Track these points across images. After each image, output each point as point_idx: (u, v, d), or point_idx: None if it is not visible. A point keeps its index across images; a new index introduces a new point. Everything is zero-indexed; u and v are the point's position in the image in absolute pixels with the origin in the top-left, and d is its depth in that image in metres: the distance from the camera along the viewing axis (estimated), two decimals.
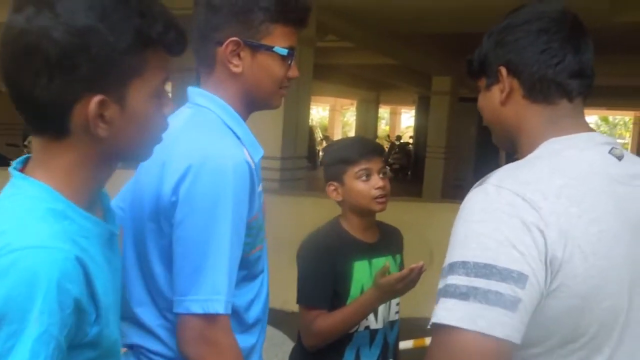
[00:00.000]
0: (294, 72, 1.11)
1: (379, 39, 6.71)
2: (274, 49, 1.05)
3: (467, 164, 13.60)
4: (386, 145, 17.85)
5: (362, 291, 1.50)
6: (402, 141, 16.96)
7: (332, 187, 1.56)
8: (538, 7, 0.89)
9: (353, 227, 1.57)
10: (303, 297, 1.49)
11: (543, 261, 0.71)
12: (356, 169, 1.49)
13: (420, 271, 1.36)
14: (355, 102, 16.95)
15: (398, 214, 4.42)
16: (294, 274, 1.54)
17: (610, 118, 27.85)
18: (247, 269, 1.08)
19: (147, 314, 1.02)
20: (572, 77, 0.84)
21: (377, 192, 1.49)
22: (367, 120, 15.27)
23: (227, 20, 1.02)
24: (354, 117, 18.49)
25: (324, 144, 18.96)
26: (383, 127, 26.82)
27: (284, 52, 1.06)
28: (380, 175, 1.51)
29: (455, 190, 9.73)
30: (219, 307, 0.94)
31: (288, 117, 4.62)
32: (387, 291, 1.38)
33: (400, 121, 27.17)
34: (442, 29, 6.13)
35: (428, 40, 7.30)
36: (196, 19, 1.06)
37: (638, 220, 0.79)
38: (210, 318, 0.94)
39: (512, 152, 0.94)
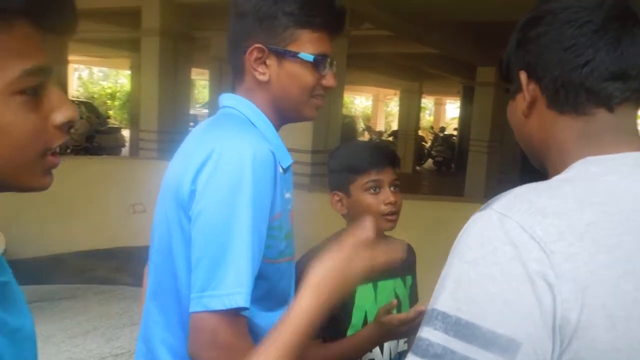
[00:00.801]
0: (328, 81, 1.04)
1: (417, 27, 6.46)
2: (299, 55, 0.99)
3: (513, 158, 13.13)
4: (429, 137, 17.49)
5: (365, 318, 1.33)
6: (446, 133, 16.52)
7: (336, 198, 1.37)
8: None
9: None
10: None
11: (549, 326, 0.54)
12: (365, 179, 1.31)
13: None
14: (398, 92, 16.60)
15: (437, 213, 4.26)
16: None
17: None
18: (268, 281, 0.98)
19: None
20: (608, 80, 0.64)
21: (386, 209, 1.30)
22: (410, 110, 14.88)
23: (252, 27, 0.99)
24: (397, 108, 18.14)
25: (367, 134, 18.76)
26: (427, 118, 26.29)
27: (310, 58, 0.99)
28: (392, 189, 1.32)
29: (500, 185, 9.36)
30: (240, 299, 0.86)
31: (319, 109, 4.48)
32: (389, 331, 1.21)
33: (445, 112, 26.57)
34: (482, 17, 5.83)
35: (469, 29, 7.00)
36: (229, 28, 1.05)
37: None
38: (229, 318, 0.87)
39: (545, 170, 0.76)
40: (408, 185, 11.43)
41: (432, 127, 19.74)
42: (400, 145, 14.45)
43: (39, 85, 0.51)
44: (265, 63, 0.99)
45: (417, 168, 14.90)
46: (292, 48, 0.98)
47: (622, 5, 0.67)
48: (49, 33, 0.50)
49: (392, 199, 1.30)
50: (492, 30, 6.98)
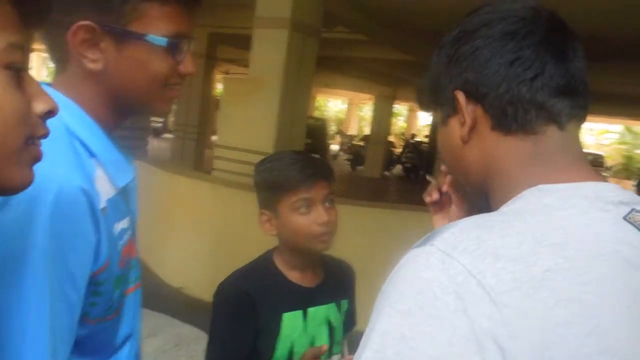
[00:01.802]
0: (186, 67, 0.81)
1: (392, 32, 6.39)
2: (147, 38, 0.75)
3: None
4: (400, 143, 17.53)
5: (291, 350, 1.18)
6: (416, 139, 16.59)
7: (264, 217, 1.21)
8: (501, 5, 0.61)
9: (289, 267, 1.22)
10: None
11: None
12: (293, 198, 1.15)
13: None
14: (373, 97, 16.61)
15: (403, 222, 4.18)
16: None
17: (634, 128, 27.02)
18: (97, 340, 0.78)
19: None
20: (558, 95, 0.57)
21: (319, 229, 1.15)
22: (383, 116, 14.90)
23: None
24: (371, 112, 18.15)
25: (338, 138, 18.71)
26: (400, 124, 26.44)
27: (162, 41, 0.76)
28: (327, 204, 1.18)
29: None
30: None
31: (284, 110, 4.33)
32: None
33: (418, 119, 26.77)
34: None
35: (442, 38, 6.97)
36: None
37: None
38: None
39: (488, 209, 0.64)
40: (375, 191, 11.40)
41: (403, 134, 19.83)
42: (370, 150, 14.44)
43: (21, 66, 0.51)
44: (98, 47, 0.74)
45: (386, 173, 14.90)
46: (135, 28, 0.75)
47: (558, 17, 0.60)
48: (24, 17, 0.51)
49: (324, 218, 1.15)
50: None
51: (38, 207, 0.64)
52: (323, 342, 1.22)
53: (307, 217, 1.16)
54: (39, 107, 0.52)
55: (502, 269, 0.47)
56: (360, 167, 14.50)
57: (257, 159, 4.81)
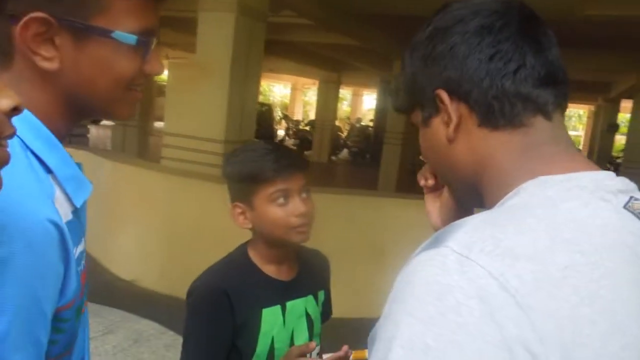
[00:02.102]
0: (153, 67, 0.71)
1: (337, 17, 6.38)
2: (113, 35, 0.65)
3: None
4: (346, 127, 17.67)
5: (272, 345, 1.16)
6: (362, 124, 16.76)
7: (238, 210, 1.17)
8: (470, 1, 0.61)
9: (264, 261, 1.20)
10: None
11: None
12: (270, 189, 1.13)
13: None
14: (317, 82, 16.59)
15: (348, 208, 4.23)
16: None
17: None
18: None
19: None
20: (541, 85, 0.57)
21: (297, 221, 1.14)
22: (328, 100, 14.93)
23: None
24: (316, 97, 18.15)
25: (284, 123, 18.60)
26: (345, 109, 26.61)
27: (131, 39, 0.66)
28: (303, 195, 1.16)
29: (410, 176, 9.60)
30: None
31: (234, 96, 4.25)
32: None
33: (362, 103, 27.03)
34: (400, 10, 5.85)
35: (387, 22, 7.03)
36: None
37: None
38: None
39: (482, 206, 0.64)
40: (323, 176, 11.47)
41: (348, 118, 19.98)
42: (317, 135, 14.47)
43: None
44: (52, 43, 0.64)
45: (333, 158, 15.00)
46: (99, 22, 0.64)
47: (525, 7, 0.60)
48: None
49: (302, 209, 1.14)
50: (410, 24, 7.07)
51: (7, 243, 0.56)
52: (303, 335, 1.21)
53: (284, 208, 1.14)
54: (2, 103, 0.46)
55: (522, 269, 0.45)
56: (307, 152, 14.53)
57: (208, 146, 4.74)
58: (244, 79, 4.37)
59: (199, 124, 4.28)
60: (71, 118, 0.71)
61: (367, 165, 14.13)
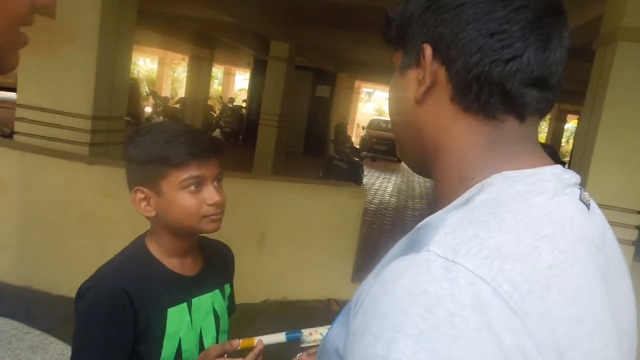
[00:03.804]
0: None
1: None
2: None
3: (298, 134, 13.77)
4: (218, 107, 17.21)
5: (179, 348, 1.05)
6: (235, 104, 16.45)
7: (140, 196, 1.04)
8: None
9: (167, 254, 1.08)
10: None
11: None
12: (183, 175, 1.01)
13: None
14: (187, 58, 15.85)
15: (228, 190, 4.06)
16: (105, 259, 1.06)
17: None
18: None
19: None
20: (529, 86, 0.53)
21: (210, 210, 1.04)
22: (200, 78, 14.35)
23: None
24: (186, 74, 17.36)
25: (151, 100, 17.55)
26: (216, 87, 25.90)
27: None
28: (215, 184, 1.06)
29: (287, 159, 9.69)
30: None
31: (103, 69, 3.86)
32: None
33: (234, 83, 26.53)
34: None
35: (267, 2, 6.92)
36: None
37: (620, 314, 0.52)
38: None
39: (426, 176, 0.62)
40: None
41: (221, 98, 19.47)
42: (188, 114, 13.90)
43: None
44: None
45: None
46: None
47: (559, 1, 0.55)
48: None
49: (217, 198, 1.04)
50: (289, 7, 7.03)
51: None
52: (211, 334, 1.12)
53: (197, 196, 1.03)
54: None
55: (512, 271, 0.42)
56: None
57: (73, 122, 4.28)
58: (115, 52, 3.98)
59: (61, 97, 3.82)
60: None
61: (240, 146, 13.94)
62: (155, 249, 1.08)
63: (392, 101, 0.61)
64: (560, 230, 0.48)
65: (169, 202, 1.03)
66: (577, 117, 16.66)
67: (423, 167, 0.61)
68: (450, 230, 0.45)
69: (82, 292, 1.00)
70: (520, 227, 0.46)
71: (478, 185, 0.52)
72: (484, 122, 0.54)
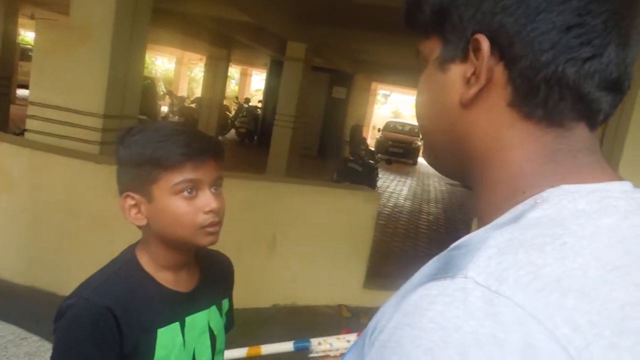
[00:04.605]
0: None
1: None
2: None
3: (314, 135, 13.71)
4: (234, 107, 17.23)
5: None
6: (250, 104, 16.45)
7: (129, 202, 0.95)
8: None
9: (158, 267, 0.98)
10: None
11: None
12: (176, 178, 0.91)
13: None
14: (204, 58, 15.89)
15: (240, 192, 4.03)
16: None
17: None
18: None
19: None
20: (606, 89, 0.45)
21: (207, 218, 0.93)
22: (216, 78, 14.35)
23: None
24: (202, 74, 17.41)
25: (168, 99, 17.63)
26: (232, 87, 26.00)
27: None
28: (213, 190, 0.95)
29: (301, 159, 9.62)
30: None
31: (115, 67, 3.82)
32: None
33: (251, 83, 26.59)
34: None
35: (285, 2, 6.86)
36: None
37: None
38: None
39: (464, 185, 0.53)
40: None
41: (237, 97, 19.50)
42: (203, 114, 13.91)
43: None
44: None
45: (220, 138, 14.56)
46: None
47: None
48: None
49: (214, 205, 0.93)
50: (306, 7, 6.96)
51: None
52: (205, 355, 1.03)
53: (191, 203, 0.93)
54: None
55: (574, 310, 0.34)
56: None
57: (85, 120, 4.24)
58: (128, 50, 3.94)
59: (73, 95, 3.79)
60: None
61: (255, 146, 13.92)
62: (146, 262, 0.98)
63: (425, 102, 0.52)
64: (636, 260, 0.39)
65: (161, 209, 0.93)
66: None
67: (461, 177, 0.52)
68: (494, 253, 0.37)
69: (62, 310, 0.90)
70: (585, 255, 0.38)
71: (530, 200, 0.43)
72: (546, 130, 0.45)
